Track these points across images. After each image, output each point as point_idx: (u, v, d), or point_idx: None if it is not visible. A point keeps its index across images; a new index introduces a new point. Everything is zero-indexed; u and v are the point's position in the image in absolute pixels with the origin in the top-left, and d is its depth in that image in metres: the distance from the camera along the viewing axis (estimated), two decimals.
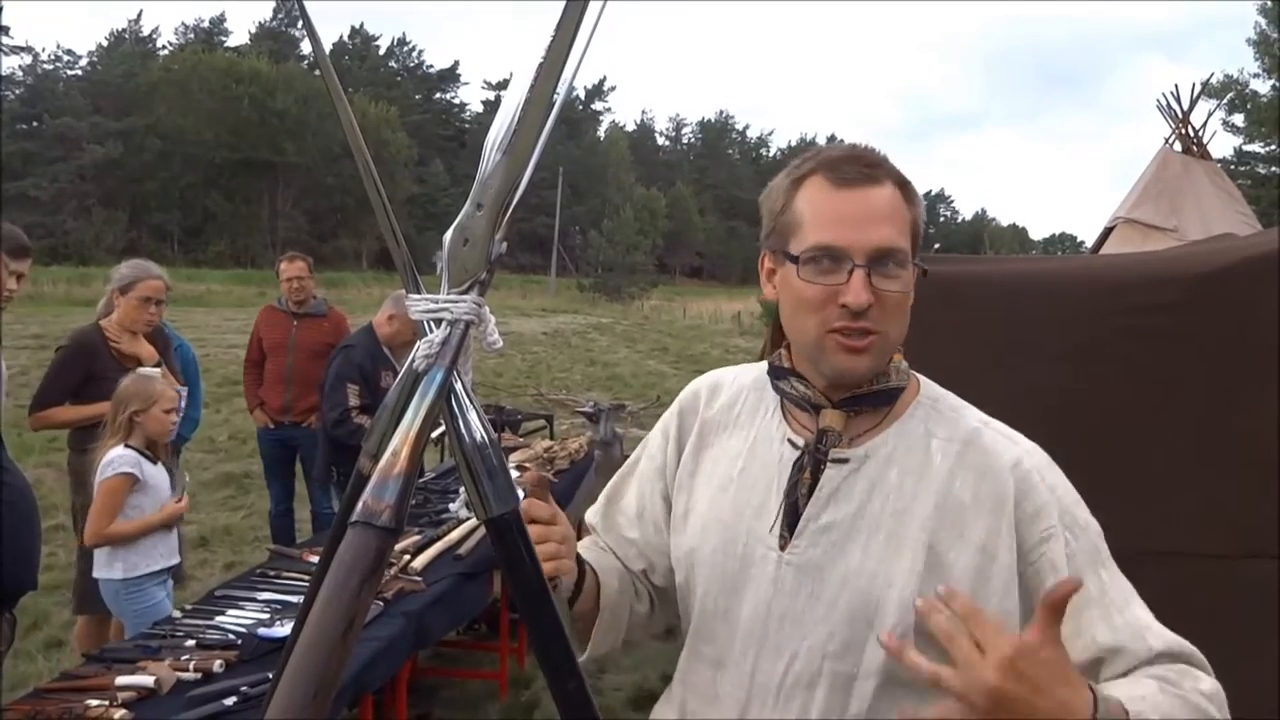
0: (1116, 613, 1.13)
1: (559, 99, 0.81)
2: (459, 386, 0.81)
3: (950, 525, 1.14)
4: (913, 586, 1.12)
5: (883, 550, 1.15)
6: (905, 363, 1.24)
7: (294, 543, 5.18)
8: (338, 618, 0.67)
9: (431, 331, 0.80)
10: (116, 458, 3.28)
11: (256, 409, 5.73)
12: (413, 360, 0.81)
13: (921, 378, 1.27)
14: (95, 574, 3.34)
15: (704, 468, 1.33)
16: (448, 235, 0.81)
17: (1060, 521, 1.14)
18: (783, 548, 1.19)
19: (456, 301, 0.79)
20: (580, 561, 1.28)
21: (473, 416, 0.82)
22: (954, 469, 1.17)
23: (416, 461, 0.72)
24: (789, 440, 1.24)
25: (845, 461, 1.19)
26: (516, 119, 0.79)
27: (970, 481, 1.16)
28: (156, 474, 3.38)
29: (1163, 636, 1.14)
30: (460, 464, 0.82)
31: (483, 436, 0.82)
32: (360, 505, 0.71)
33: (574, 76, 0.82)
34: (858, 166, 1.16)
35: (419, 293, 0.84)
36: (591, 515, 1.50)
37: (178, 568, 3.56)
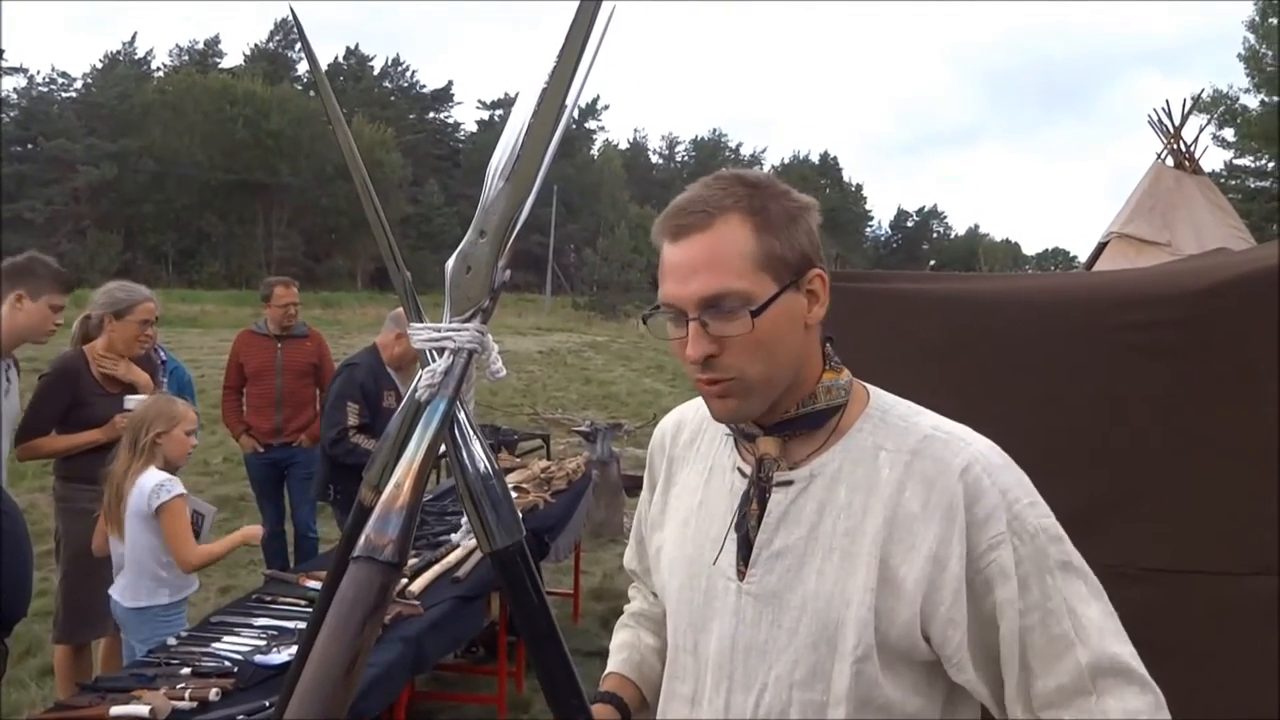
0: (1055, 622, 1.10)
1: (560, 128, 0.80)
2: (462, 416, 0.80)
3: (901, 537, 1.12)
4: (869, 603, 1.10)
5: (838, 570, 1.13)
6: (845, 378, 1.21)
7: (288, 565, 5.14)
8: (340, 656, 0.66)
9: (434, 360, 0.79)
10: (166, 480, 3.23)
11: (243, 435, 5.71)
12: (415, 390, 0.80)
13: (873, 389, 1.24)
14: (136, 603, 3.27)
15: (670, 504, 1.35)
16: (450, 263, 0.80)
17: (1009, 528, 1.11)
18: (741, 578, 1.19)
19: (459, 330, 0.78)
20: (626, 687, 1.38)
21: (476, 447, 0.81)
22: (902, 480, 1.14)
23: (420, 494, 0.71)
24: (738, 469, 1.24)
25: (790, 484, 1.18)
26: (518, 146, 0.78)
27: (919, 491, 1.13)
28: None
29: (1096, 649, 1.09)
30: (463, 495, 0.80)
31: (486, 467, 0.80)
32: (363, 540, 0.69)
33: (575, 106, 0.82)
34: (685, 215, 1.14)
35: (420, 320, 0.83)
36: (629, 560, 1.56)
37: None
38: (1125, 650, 1.10)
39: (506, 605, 4.20)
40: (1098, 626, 1.10)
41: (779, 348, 1.13)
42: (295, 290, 5.78)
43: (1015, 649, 1.09)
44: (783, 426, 1.19)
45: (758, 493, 1.20)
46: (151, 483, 3.21)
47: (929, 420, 1.20)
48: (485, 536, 0.80)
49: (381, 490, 0.74)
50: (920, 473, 1.14)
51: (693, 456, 1.34)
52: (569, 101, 0.78)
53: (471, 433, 0.82)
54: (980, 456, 1.14)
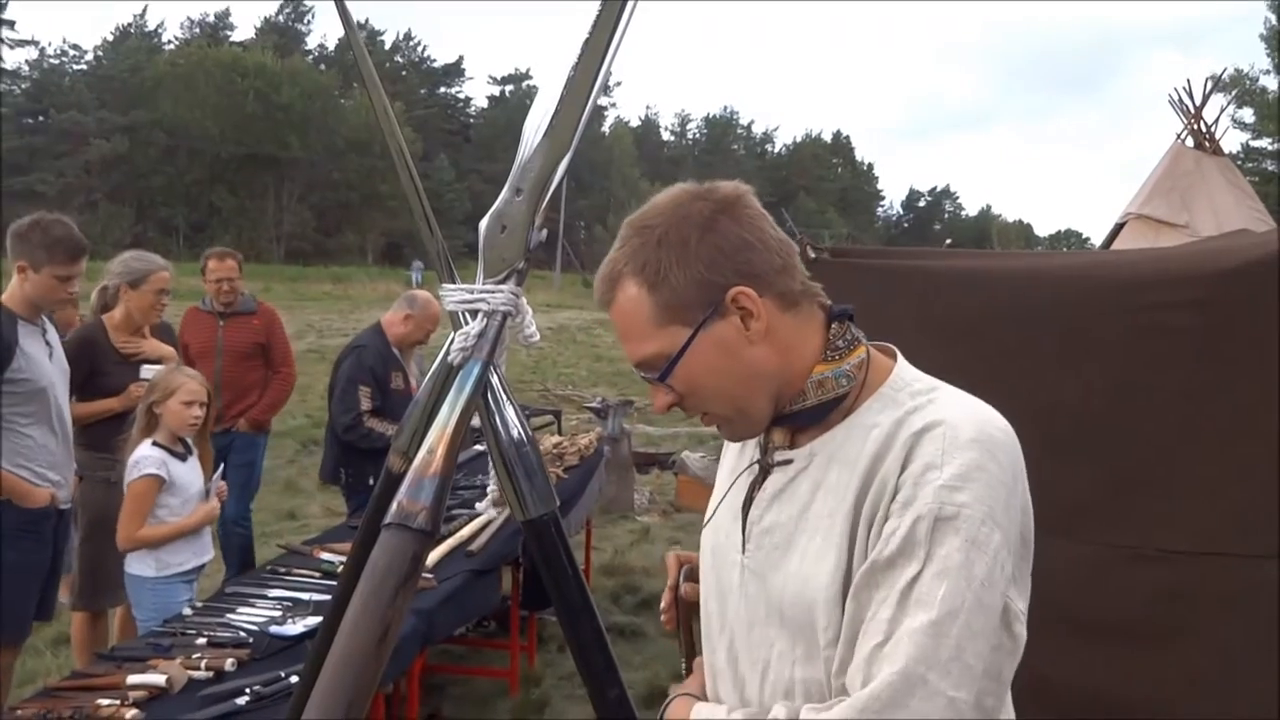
0: (876, 628, 1.01)
1: (598, 86, 0.78)
2: (495, 381, 0.78)
3: (865, 514, 1.07)
4: (837, 586, 1.07)
5: (818, 551, 1.10)
6: (849, 363, 1.15)
7: (251, 557, 4.98)
8: (372, 626, 0.64)
9: (466, 323, 0.77)
10: (142, 458, 3.23)
11: None
12: (446, 353, 0.78)
13: (900, 365, 1.19)
14: (128, 569, 3.31)
15: (722, 461, 1.35)
16: (484, 222, 0.77)
17: (903, 497, 1.03)
18: (744, 552, 1.19)
19: (493, 292, 0.75)
20: None
21: (510, 413, 0.79)
22: (879, 453, 1.08)
23: (453, 460, 0.69)
24: (759, 444, 1.23)
25: (789, 463, 1.16)
26: (558, 103, 0.76)
27: (888, 462, 1.07)
28: (185, 471, 3.33)
29: (871, 658, 1.00)
30: (496, 463, 0.78)
31: (520, 433, 0.79)
32: (395, 507, 0.67)
33: (611, 64, 0.79)
34: (598, 289, 1.12)
35: (453, 282, 0.80)
36: None
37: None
38: (898, 670, 0.97)
39: (518, 580, 4.21)
40: (916, 636, 0.98)
41: (725, 380, 1.12)
42: (232, 264, 5.17)
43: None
44: (784, 421, 1.17)
45: (760, 472, 1.20)
46: (135, 457, 3.24)
47: (934, 393, 1.14)
48: (519, 505, 0.78)
49: (412, 457, 0.72)
50: (895, 442, 1.08)
51: None
52: (608, 58, 0.76)
53: (505, 398, 0.80)
54: (947, 426, 1.06)
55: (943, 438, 1.04)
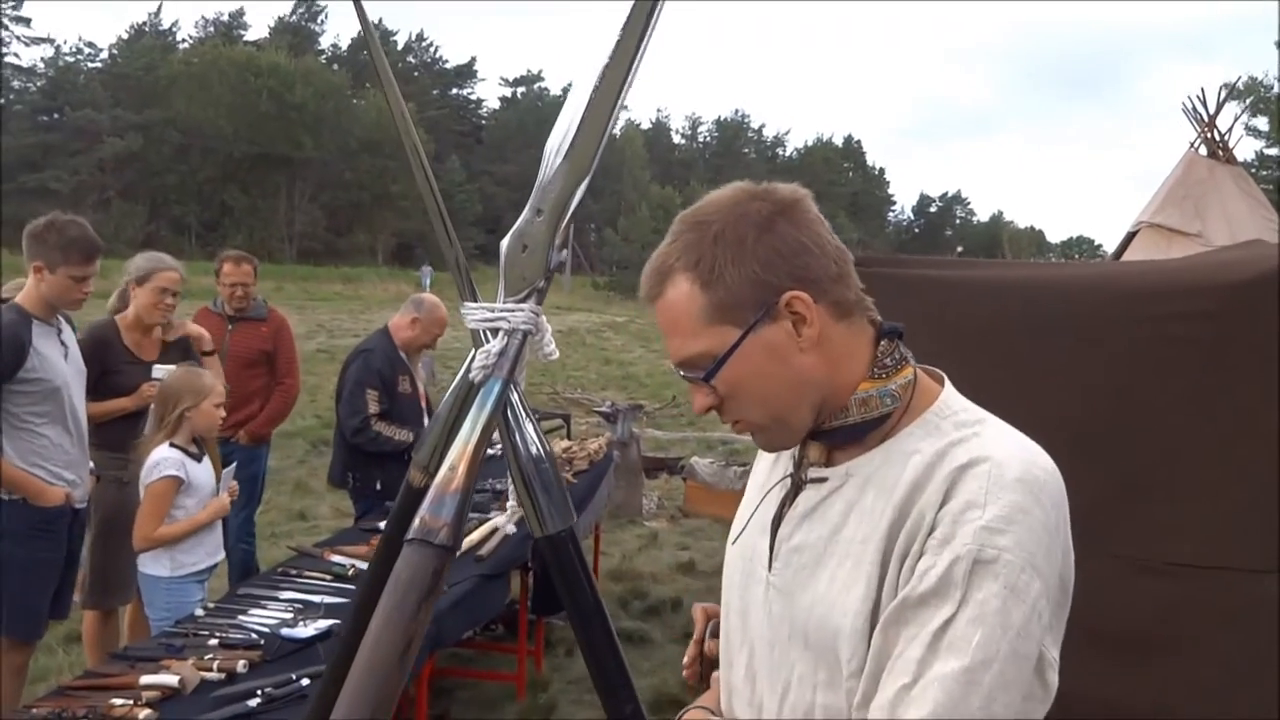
0: (904, 668, 0.98)
1: (617, 109, 0.79)
2: (514, 398, 0.79)
3: (899, 546, 1.03)
4: (864, 617, 1.04)
5: (847, 577, 1.07)
6: (895, 384, 1.12)
7: (256, 570, 4.85)
8: (395, 640, 0.65)
9: (486, 341, 0.78)
10: (162, 460, 3.27)
11: None
12: (467, 370, 0.79)
13: (947, 391, 1.15)
14: (142, 569, 3.34)
15: (754, 471, 1.32)
16: (505, 241, 0.79)
17: (941, 534, 1.00)
18: (771, 569, 1.16)
19: (514, 311, 0.77)
20: None
21: (529, 429, 0.80)
22: (918, 482, 1.04)
23: (474, 477, 0.70)
24: (793, 457, 1.20)
25: (823, 481, 1.13)
26: (577, 127, 0.77)
27: (926, 494, 1.03)
28: (200, 471, 3.38)
29: (890, 704, 0.98)
30: (516, 479, 0.80)
31: (539, 450, 0.80)
32: (417, 522, 0.69)
33: (631, 86, 0.81)
34: (645, 283, 1.10)
35: (474, 300, 0.82)
36: None
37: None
38: (924, 717, 0.95)
39: (527, 584, 4.22)
40: (942, 684, 0.95)
41: (771, 385, 1.09)
42: (248, 268, 5.08)
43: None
44: (822, 437, 1.14)
45: (792, 487, 1.17)
46: (155, 458, 3.28)
47: (979, 426, 1.10)
48: (537, 520, 0.80)
49: (432, 472, 0.74)
50: (935, 474, 1.04)
51: None
52: (627, 83, 0.77)
53: (525, 415, 0.81)
54: (992, 464, 1.02)
55: (987, 475, 1.00)
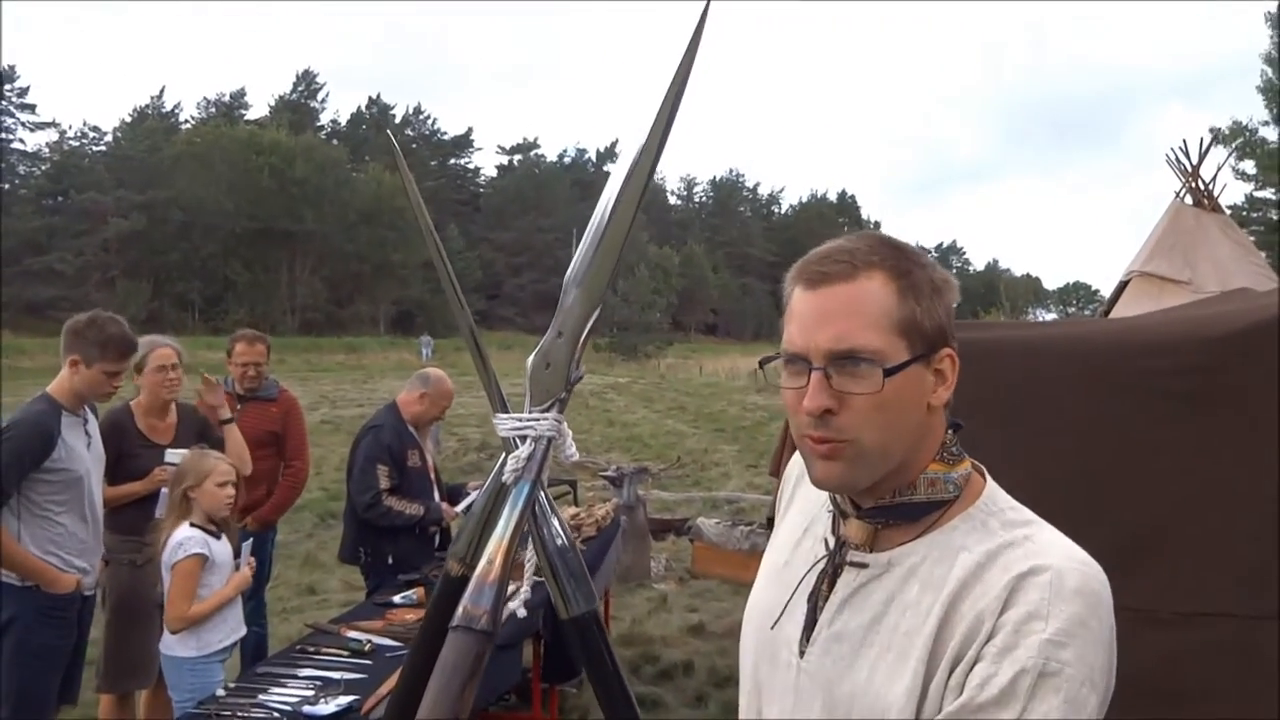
0: None
1: (628, 232, 0.90)
2: (541, 497, 0.89)
3: (951, 648, 1.03)
4: (910, 713, 1.02)
5: (891, 670, 1.05)
6: (958, 473, 1.12)
7: (265, 655, 4.87)
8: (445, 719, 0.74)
9: (517, 447, 0.88)
10: (186, 539, 3.33)
11: None
12: (500, 472, 0.89)
13: (991, 487, 1.14)
14: (166, 651, 3.37)
15: (773, 543, 1.30)
16: (531, 359, 0.89)
17: (1001, 643, 0.99)
18: (801, 656, 1.13)
19: (540, 419, 0.87)
20: None
21: (554, 523, 0.90)
22: (967, 582, 1.04)
23: (508, 569, 0.80)
24: (825, 539, 1.18)
25: (865, 566, 1.11)
26: (590, 257, 0.88)
27: (976, 596, 1.03)
28: (221, 549, 3.43)
29: None
30: (544, 567, 0.89)
31: (564, 541, 0.89)
32: (461, 610, 0.78)
33: (636, 219, 0.91)
34: (826, 263, 1.08)
35: (505, 412, 0.92)
36: None
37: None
38: None
39: (539, 653, 4.25)
40: None
41: (900, 418, 1.06)
42: (261, 348, 4.97)
43: None
44: (875, 513, 1.11)
45: (830, 570, 1.14)
46: (177, 538, 3.34)
47: (1029, 528, 1.09)
48: (564, 604, 0.89)
49: (468, 563, 0.83)
50: (985, 578, 1.04)
51: (798, 500, 1.29)
52: (635, 212, 0.88)
53: (550, 511, 0.91)
54: (1054, 574, 1.01)
55: (1048, 586, 1.00)
